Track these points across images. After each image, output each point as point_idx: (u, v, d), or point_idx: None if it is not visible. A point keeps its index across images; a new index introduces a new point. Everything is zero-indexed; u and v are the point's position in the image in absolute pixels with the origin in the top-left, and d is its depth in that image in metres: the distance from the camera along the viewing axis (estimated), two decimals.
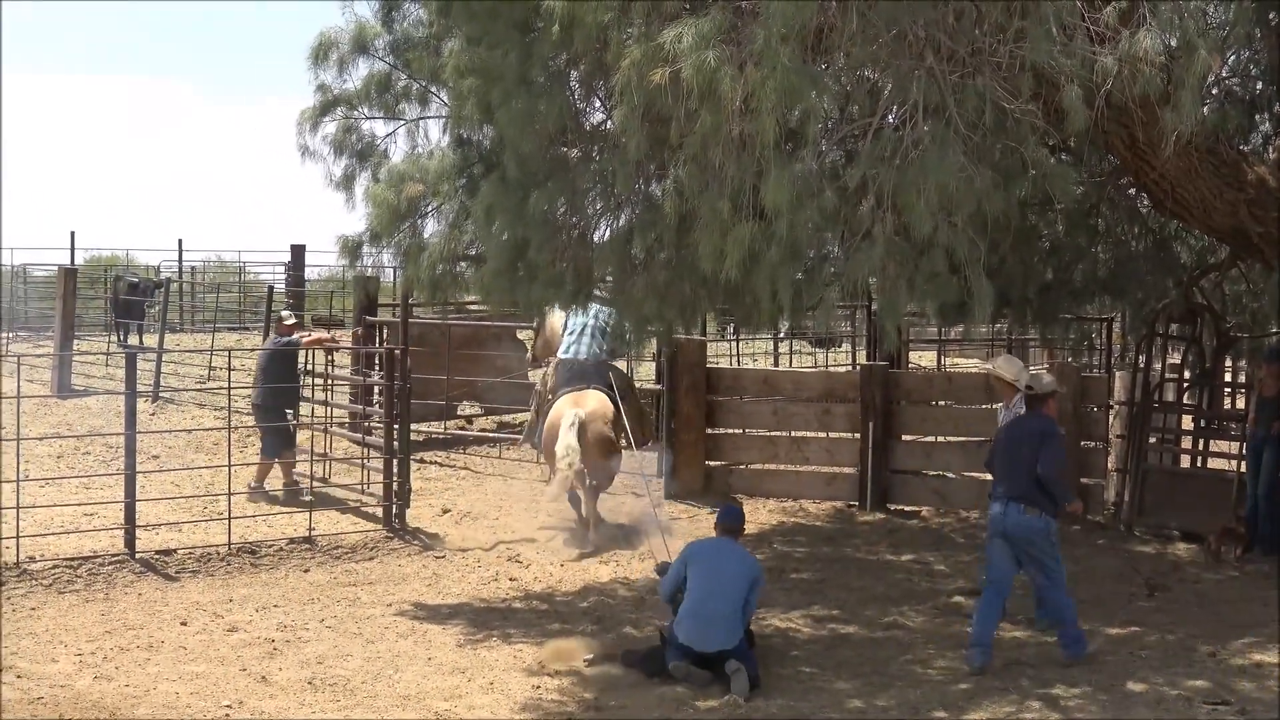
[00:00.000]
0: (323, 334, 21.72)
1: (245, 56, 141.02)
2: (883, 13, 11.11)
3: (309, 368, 20.85)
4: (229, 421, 19.64)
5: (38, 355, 28.76)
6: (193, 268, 47.18)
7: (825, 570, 16.18)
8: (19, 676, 11.95)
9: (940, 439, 19.88)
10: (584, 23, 11.30)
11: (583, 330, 18.44)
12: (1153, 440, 18.39)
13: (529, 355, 21.40)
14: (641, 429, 18.52)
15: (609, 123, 12.78)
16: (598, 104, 13.41)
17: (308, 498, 18.72)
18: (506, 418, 23.62)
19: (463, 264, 14.43)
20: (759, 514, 18.91)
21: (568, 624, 13.88)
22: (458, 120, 13.84)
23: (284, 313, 21.39)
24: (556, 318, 18.78)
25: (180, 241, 43.32)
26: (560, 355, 18.59)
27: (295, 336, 19.81)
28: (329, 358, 22.25)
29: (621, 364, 19.89)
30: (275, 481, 19.28)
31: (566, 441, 17.10)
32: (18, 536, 15.13)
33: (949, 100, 11.03)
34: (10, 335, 35.31)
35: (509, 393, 22.80)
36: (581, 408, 17.52)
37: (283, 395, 19.25)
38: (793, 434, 20.03)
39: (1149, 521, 17.71)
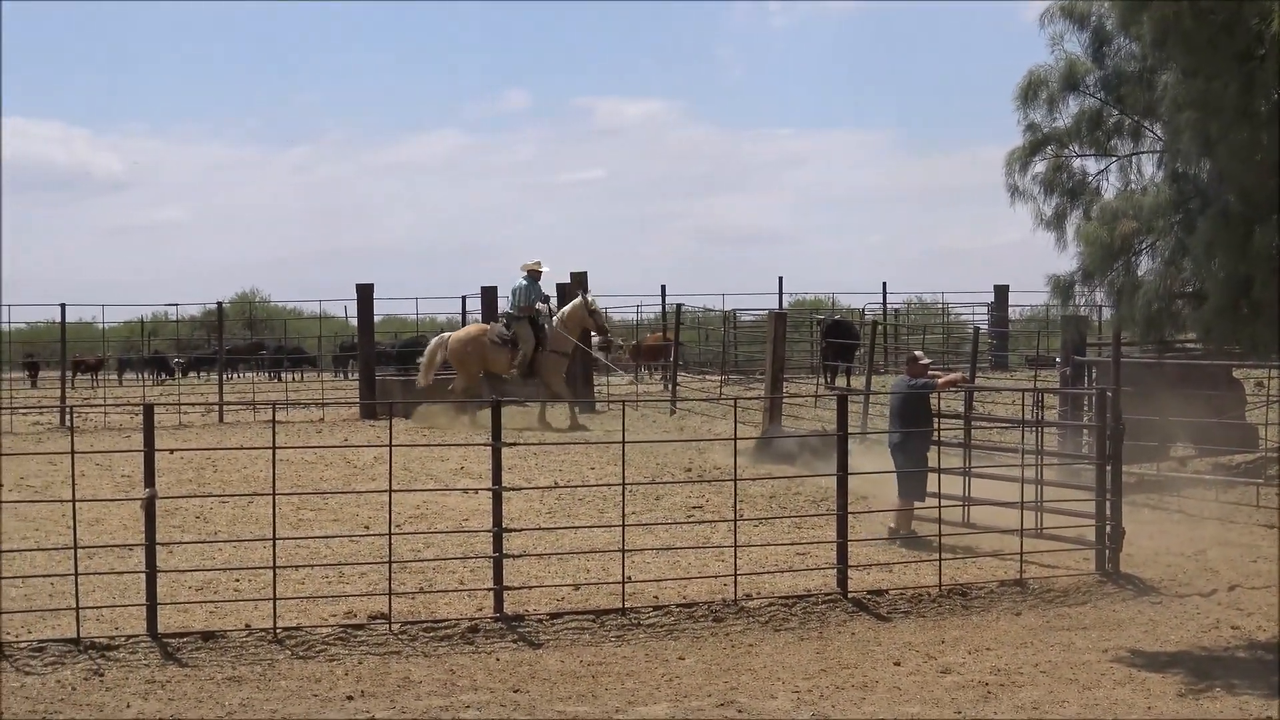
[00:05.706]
0: (955, 375, 21.32)
1: (946, 106, 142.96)
2: None
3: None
4: (939, 460, 19.58)
5: (749, 398, 29.81)
6: (896, 310, 47.92)
7: None
8: (739, 712, 12.29)
9: None
10: None
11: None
12: None
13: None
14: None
15: None
16: None
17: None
18: (1222, 459, 22.78)
19: (1179, 302, 14.00)
20: None
21: None
22: (1173, 155, 13.51)
23: (917, 353, 21.06)
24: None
25: (885, 284, 44.07)
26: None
27: (929, 378, 19.37)
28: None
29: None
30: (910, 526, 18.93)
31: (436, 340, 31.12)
32: (735, 575, 15.65)
33: None
34: (723, 378, 36.86)
35: (1224, 433, 21.95)
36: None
37: (918, 438, 18.88)
38: None
39: None
